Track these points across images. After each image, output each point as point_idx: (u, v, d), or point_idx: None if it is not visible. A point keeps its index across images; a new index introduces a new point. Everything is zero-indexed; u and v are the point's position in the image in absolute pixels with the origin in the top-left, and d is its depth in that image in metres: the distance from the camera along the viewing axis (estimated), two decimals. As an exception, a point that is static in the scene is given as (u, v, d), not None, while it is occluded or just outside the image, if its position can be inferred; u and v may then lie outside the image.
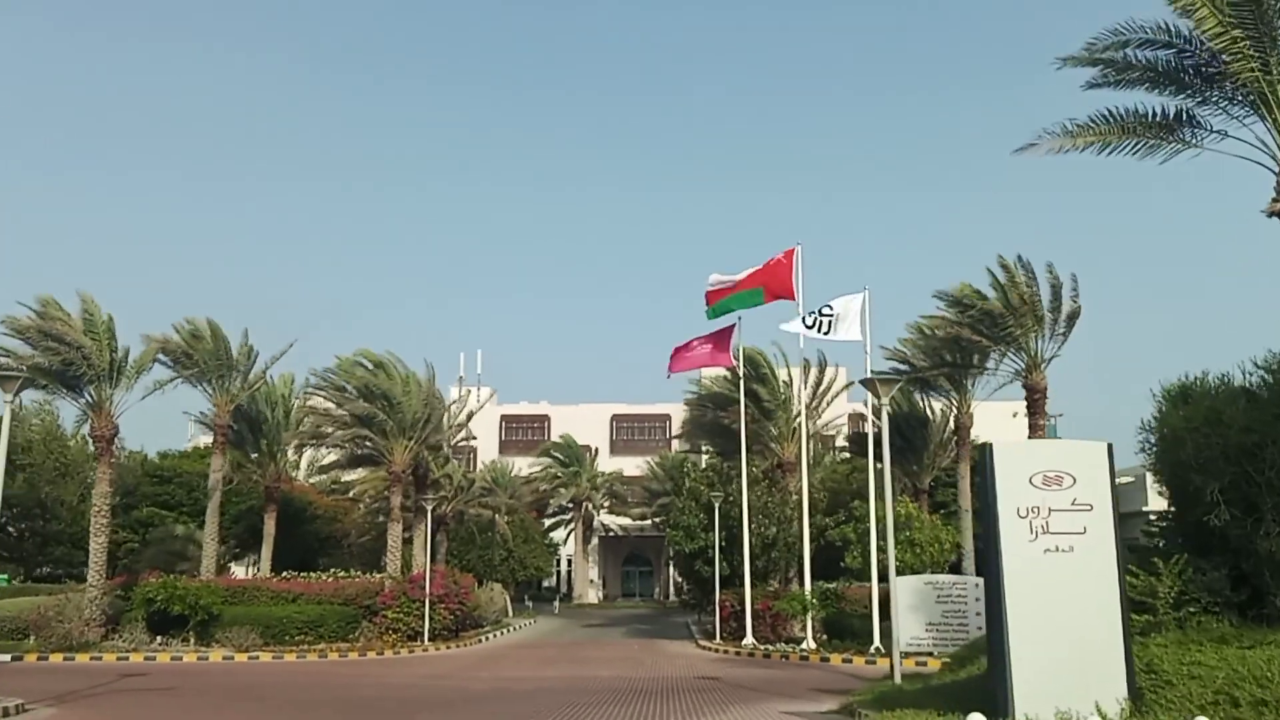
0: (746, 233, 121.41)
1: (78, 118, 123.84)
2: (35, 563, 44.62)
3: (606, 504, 65.08)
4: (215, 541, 35.79)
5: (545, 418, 78.04)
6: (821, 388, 37.37)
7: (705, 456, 37.51)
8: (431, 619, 31.75)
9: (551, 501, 61.90)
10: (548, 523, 63.77)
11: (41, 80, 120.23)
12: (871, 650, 27.20)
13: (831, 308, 29.38)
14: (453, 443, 42.24)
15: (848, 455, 51.20)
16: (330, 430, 35.29)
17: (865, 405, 41.05)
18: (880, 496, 32.99)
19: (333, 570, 37.80)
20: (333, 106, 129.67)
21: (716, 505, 32.67)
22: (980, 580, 18.05)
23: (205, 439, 47.40)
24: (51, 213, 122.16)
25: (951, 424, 38.00)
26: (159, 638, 29.23)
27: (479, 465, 63.37)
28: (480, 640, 34.30)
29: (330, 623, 31.40)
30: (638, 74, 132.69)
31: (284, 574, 36.17)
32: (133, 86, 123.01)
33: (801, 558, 33.85)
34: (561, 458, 63.88)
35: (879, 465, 27.38)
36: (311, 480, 51.58)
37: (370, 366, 34.85)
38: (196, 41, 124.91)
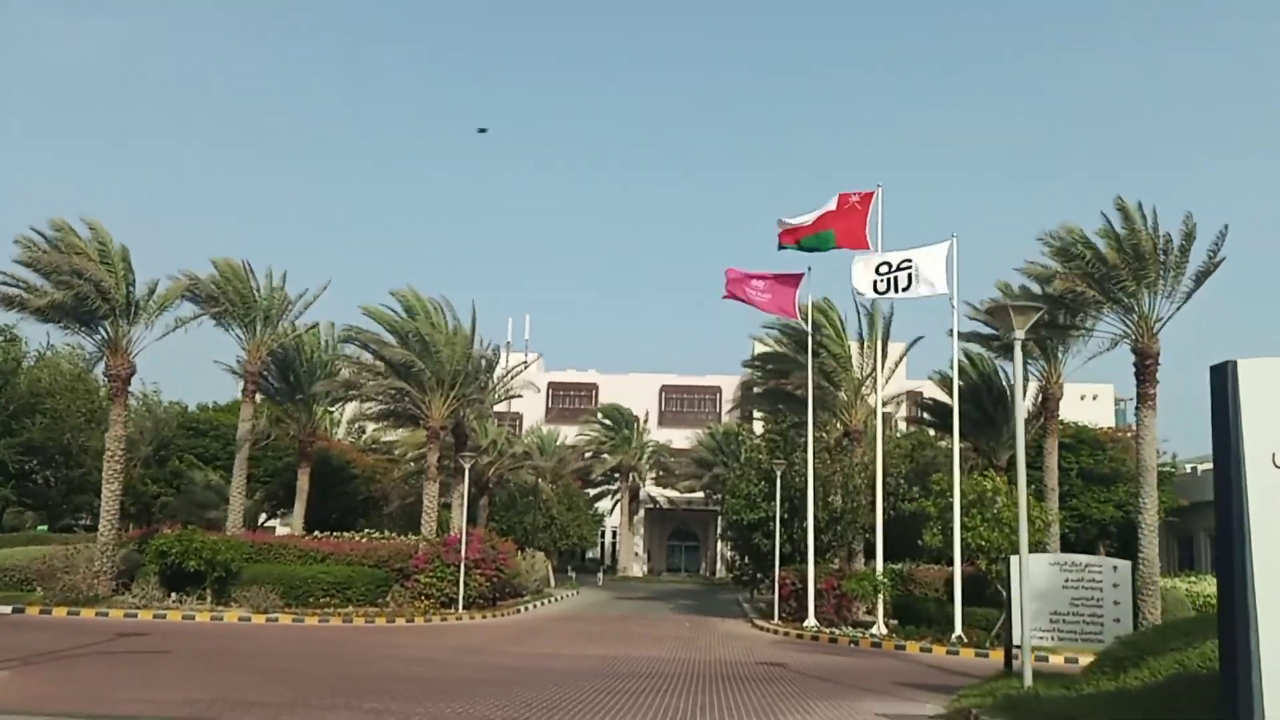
0: (812, 188, 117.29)
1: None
2: (59, 511, 42.68)
3: (654, 474, 62.08)
4: (242, 495, 33.36)
5: (593, 386, 75.21)
6: (890, 352, 33.84)
7: (760, 425, 34.14)
8: (467, 585, 29.03)
9: (596, 469, 59.04)
10: (593, 493, 61.06)
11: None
12: (953, 639, 23.96)
13: (911, 260, 25.92)
14: (496, 402, 39.40)
15: (910, 429, 47.65)
16: (365, 380, 32.56)
17: (932, 379, 37.54)
18: (979, 469, 29.60)
19: (367, 531, 35.37)
20: (376, 69, 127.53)
21: (778, 474, 29.42)
22: (1121, 564, 14.73)
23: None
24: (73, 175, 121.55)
25: (1036, 396, 34.41)
26: (173, 594, 26.80)
27: (524, 432, 60.84)
28: (519, 610, 31.56)
29: (359, 585, 28.80)
30: (698, 31, 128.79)
31: (315, 533, 33.74)
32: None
33: (872, 533, 30.65)
34: (609, 423, 61.00)
35: (966, 436, 23.91)
36: (350, 439, 49.26)
37: (403, 313, 31.99)
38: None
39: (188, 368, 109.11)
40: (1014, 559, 15.31)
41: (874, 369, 30.25)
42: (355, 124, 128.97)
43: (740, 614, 33.73)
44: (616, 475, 61.34)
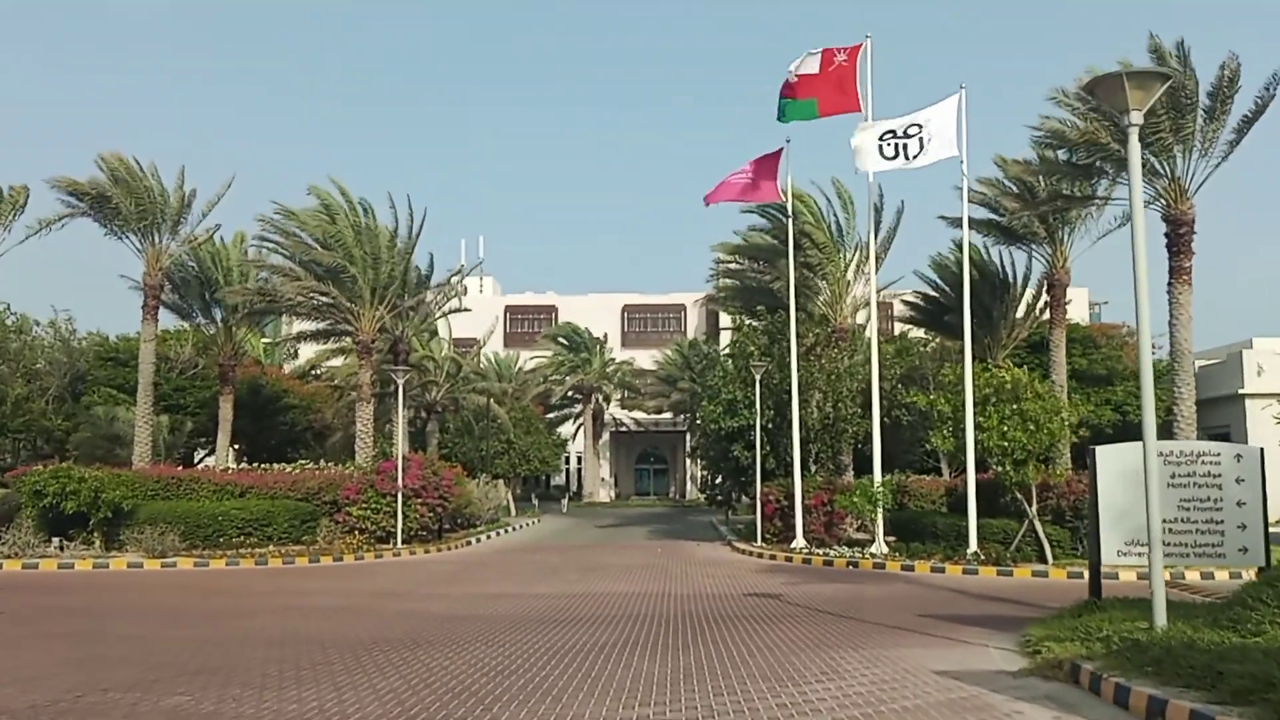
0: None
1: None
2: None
3: (619, 396, 57.79)
4: (149, 427, 28.63)
5: (552, 308, 70.47)
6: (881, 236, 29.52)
7: (726, 335, 29.61)
8: (405, 517, 24.76)
9: (556, 390, 54.63)
10: (554, 416, 56.84)
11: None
12: (968, 556, 20.08)
13: (920, 124, 21.35)
14: (439, 316, 34.75)
15: (898, 334, 43.51)
16: (282, 287, 27.74)
17: (919, 278, 33.39)
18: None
19: (301, 463, 30.90)
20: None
21: (758, 377, 25.10)
22: (1247, 451, 10.57)
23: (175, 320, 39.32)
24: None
25: (1039, 284, 30.41)
26: (56, 541, 22.27)
27: (481, 357, 56.31)
28: (468, 543, 27.34)
29: (280, 521, 24.39)
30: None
31: (237, 466, 29.28)
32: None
33: (863, 443, 26.65)
34: (567, 343, 56.49)
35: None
36: (283, 365, 44.44)
37: (326, 213, 27.11)
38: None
39: (106, 297, 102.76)
40: (1101, 450, 11.11)
41: (868, 253, 25.78)
42: (303, 34, 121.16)
43: (717, 537, 29.80)
44: (578, 398, 57.02)
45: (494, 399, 44.41)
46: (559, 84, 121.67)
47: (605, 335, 59.53)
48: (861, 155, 21.04)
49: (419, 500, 24.97)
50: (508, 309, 71.26)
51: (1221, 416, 38.72)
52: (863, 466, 29.56)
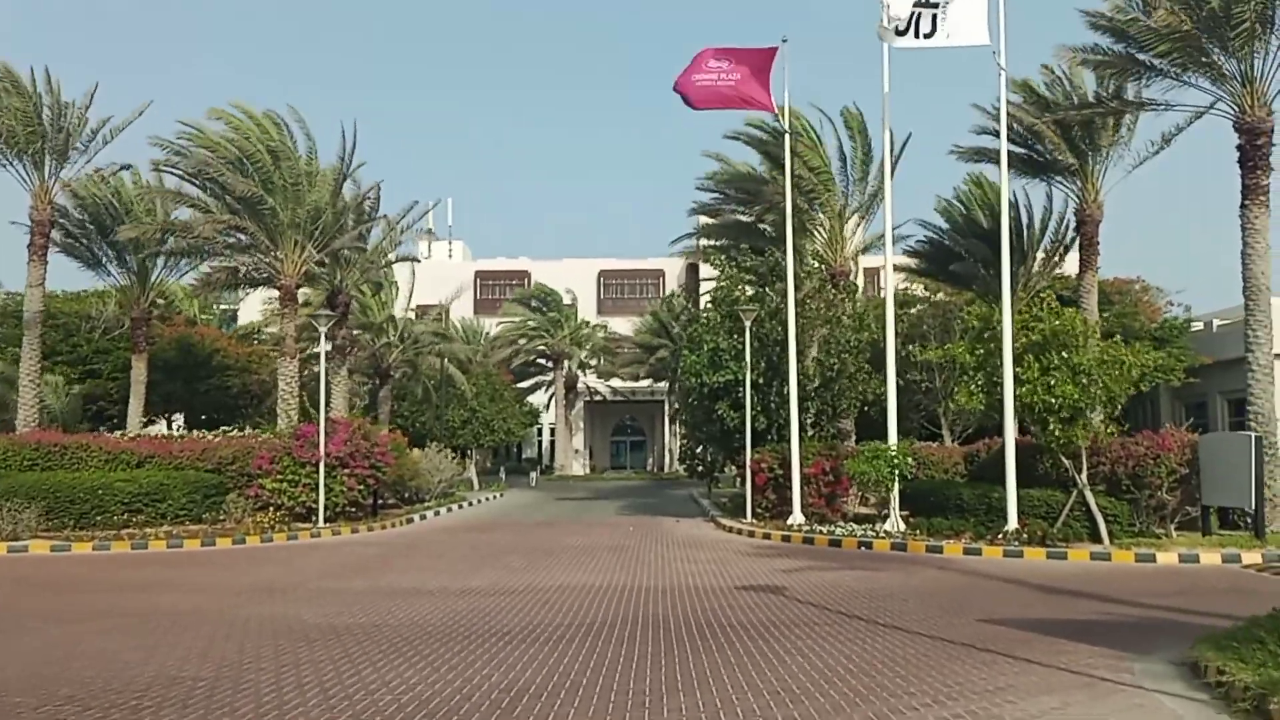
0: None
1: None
2: None
3: (593, 363, 53.45)
4: (34, 387, 24.13)
5: (525, 274, 65.78)
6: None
7: (712, 283, 25.21)
8: (330, 490, 20.50)
9: (524, 355, 50.28)
10: (525, 386, 52.51)
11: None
12: (1008, 534, 16.05)
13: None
14: (385, 264, 30.29)
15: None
16: (188, 220, 23.23)
17: (920, 233, 29.21)
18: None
19: (221, 429, 26.58)
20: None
21: (747, 324, 20.81)
22: None
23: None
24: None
25: (1064, 219, 26.38)
26: (-108, 520, 17.89)
27: (449, 323, 51.82)
28: (408, 521, 23.07)
29: (176, 496, 20.13)
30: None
31: (134, 433, 24.97)
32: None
33: (874, 402, 22.60)
34: (536, 306, 52.11)
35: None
36: (213, 323, 39.87)
37: (242, 129, 22.55)
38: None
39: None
40: None
41: (879, 172, 21.54)
42: None
43: (698, 512, 25.70)
44: (548, 364, 52.69)
45: (457, 364, 40.10)
46: (533, 43, 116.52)
47: (576, 297, 55.06)
48: (887, 23, 16.74)
49: (346, 471, 20.70)
50: (478, 274, 66.70)
51: (1243, 379, 34.99)
52: (865, 433, 25.56)
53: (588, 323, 54.14)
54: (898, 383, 24.58)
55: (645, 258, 66.47)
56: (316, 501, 20.29)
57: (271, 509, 20.39)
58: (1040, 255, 27.56)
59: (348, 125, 21.21)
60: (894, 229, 27.57)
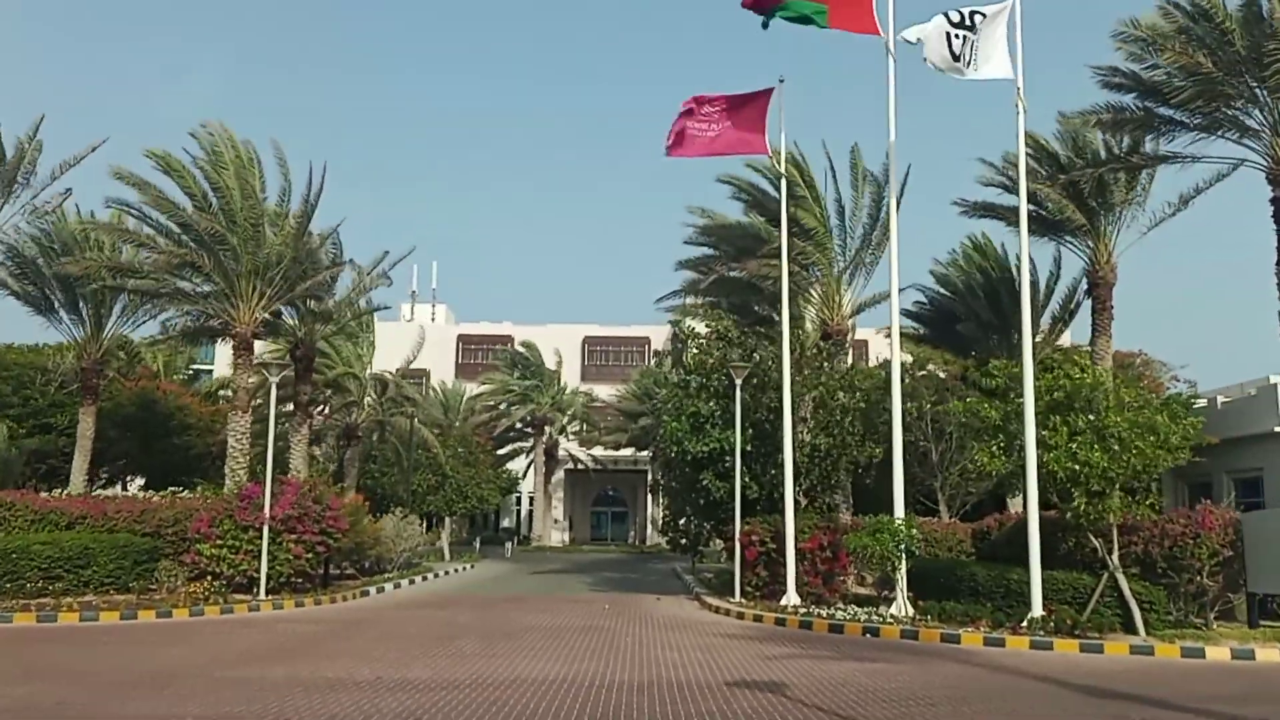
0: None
1: None
2: None
3: (574, 429, 51.42)
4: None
5: (508, 338, 63.94)
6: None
7: (695, 333, 23.12)
8: (274, 559, 18.32)
9: (504, 421, 48.22)
10: (504, 453, 50.38)
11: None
12: (1032, 623, 14.02)
13: (974, 21, 15.61)
14: (353, 316, 28.44)
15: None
16: (135, 257, 21.35)
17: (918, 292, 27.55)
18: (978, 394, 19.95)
19: (170, 489, 24.53)
20: None
21: (739, 381, 18.86)
22: None
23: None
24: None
25: (1076, 283, 24.85)
26: None
27: (431, 390, 49.84)
28: (364, 594, 20.79)
29: (103, 562, 17.92)
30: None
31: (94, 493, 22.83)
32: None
33: (869, 469, 20.75)
34: (519, 372, 50.22)
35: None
36: (178, 379, 37.79)
37: (197, 165, 20.84)
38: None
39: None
40: None
41: (881, 223, 20.00)
42: (256, 30, 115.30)
43: (681, 589, 23.53)
44: (529, 430, 50.58)
45: (431, 426, 38.04)
46: (525, 103, 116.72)
47: (560, 359, 53.20)
48: (928, 46, 15.20)
49: (293, 536, 18.53)
50: (461, 338, 65.05)
51: (1253, 458, 33.28)
52: (859, 504, 23.60)
53: (571, 389, 52.23)
54: (889, 454, 22.64)
55: (630, 325, 64.95)
56: (259, 570, 18.10)
57: (209, 578, 18.16)
58: (1048, 320, 25.99)
59: (317, 166, 20.22)
60: (881, 296, 26.24)
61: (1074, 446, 14.40)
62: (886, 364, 25.09)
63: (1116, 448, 14.30)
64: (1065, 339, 29.33)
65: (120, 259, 21.94)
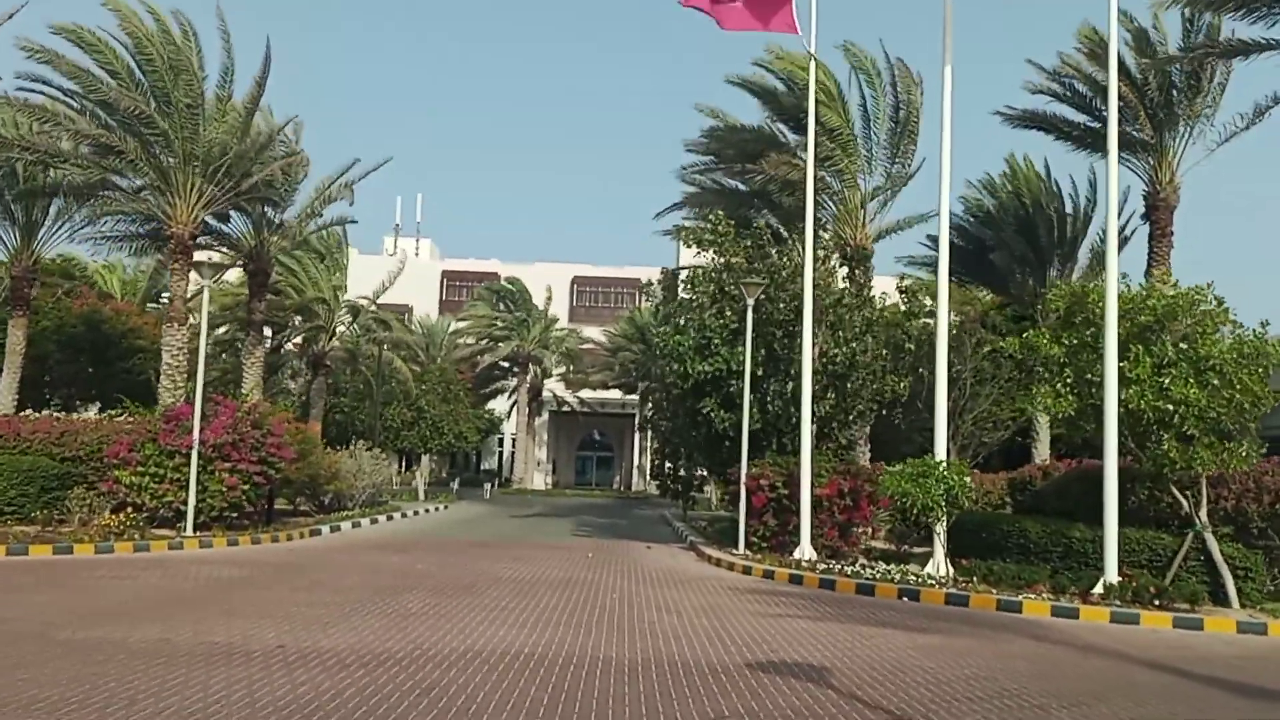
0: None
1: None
2: None
3: (560, 370, 48.66)
4: None
5: (494, 275, 60.99)
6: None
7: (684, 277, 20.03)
8: (204, 489, 15.56)
9: (487, 358, 45.39)
10: (487, 391, 47.68)
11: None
12: (1100, 591, 11.40)
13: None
14: (314, 230, 25.42)
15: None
16: (56, 139, 18.20)
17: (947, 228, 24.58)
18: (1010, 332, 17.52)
19: (107, 412, 21.80)
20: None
21: (750, 300, 15.99)
22: None
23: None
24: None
25: (1123, 203, 21.98)
26: None
27: (415, 325, 46.93)
28: (313, 533, 18.04)
29: (2, 487, 15.11)
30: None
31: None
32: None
33: (893, 405, 18.12)
34: (505, 306, 47.30)
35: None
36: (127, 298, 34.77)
37: (134, 31, 17.66)
38: None
39: None
40: None
41: (911, 132, 17.06)
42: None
43: (673, 536, 20.94)
44: (513, 368, 47.81)
45: (410, 363, 35.24)
46: (520, 35, 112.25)
47: (550, 296, 50.21)
48: None
49: (226, 465, 15.75)
50: (445, 274, 62.08)
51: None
52: (878, 451, 21.01)
53: (558, 326, 49.36)
54: (896, 401, 19.66)
55: (623, 265, 61.94)
56: (185, 500, 15.35)
57: (129, 509, 15.40)
58: (1086, 254, 23.21)
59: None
60: (912, 220, 23.33)
61: (1165, 380, 11.71)
62: (904, 290, 22.33)
63: (1216, 382, 11.62)
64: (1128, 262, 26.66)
65: (21, 137, 18.59)
